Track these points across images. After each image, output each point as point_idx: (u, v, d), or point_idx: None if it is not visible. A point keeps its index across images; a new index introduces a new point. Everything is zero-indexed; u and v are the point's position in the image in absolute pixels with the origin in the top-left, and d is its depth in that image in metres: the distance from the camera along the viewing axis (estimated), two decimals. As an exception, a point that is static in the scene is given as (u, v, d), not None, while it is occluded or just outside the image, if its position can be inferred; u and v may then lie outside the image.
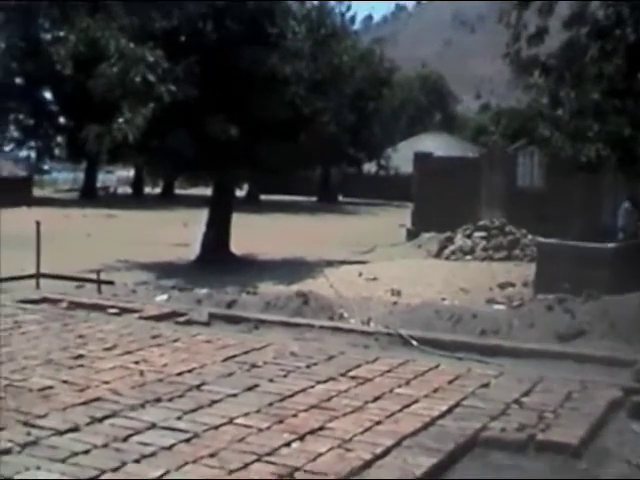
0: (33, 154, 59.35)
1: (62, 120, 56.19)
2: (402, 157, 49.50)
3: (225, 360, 8.63)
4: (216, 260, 21.26)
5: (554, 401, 7.32)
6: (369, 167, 57.04)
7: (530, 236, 24.03)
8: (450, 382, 7.97)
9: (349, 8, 26.55)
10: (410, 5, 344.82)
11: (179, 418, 6.62)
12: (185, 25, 19.46)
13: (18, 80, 55.27)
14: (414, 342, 10.15)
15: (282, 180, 43.28)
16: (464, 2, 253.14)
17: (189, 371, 8.12)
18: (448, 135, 71.64)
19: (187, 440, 6.11)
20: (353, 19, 35.34)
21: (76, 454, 5.83)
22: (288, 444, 6.07)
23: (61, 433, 6.25)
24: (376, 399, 7.30)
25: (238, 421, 6.55)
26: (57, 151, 59.33)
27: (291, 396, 7.33)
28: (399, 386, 7.77)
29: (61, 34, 21.66)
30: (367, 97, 33.41)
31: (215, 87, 19.06)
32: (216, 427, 6.40)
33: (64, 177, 79.15)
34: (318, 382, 7.84)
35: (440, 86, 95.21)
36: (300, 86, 19.84)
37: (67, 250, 22.22)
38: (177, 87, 18.24)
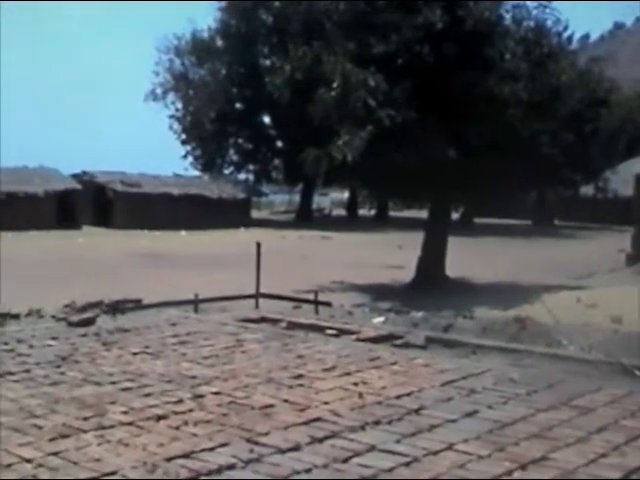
0: (251, 177, 61.01)
1: (279, 144, 57.54)
2: (621, 179, 47.99)
3: (443, 385, 8.58)
4: (431, 283, 21.17)
5: None
6: (586, 190, 55.51)
7: None
8: (679, 416, 7.63)
9: (566, 28, 25.91)
10: (629, 22, 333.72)
11: (398, 441, 6.61)
12: (402, 49, 19.53)
13: (238, 105, 56.92)
14: (637, 372, 9.79)
15: (496, 203, 42.78)
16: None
17: (407, 395, 8.11)
18: (671, 157, 68.79)
19: (407, 464, 6.09)
20: (570, 39, 34.50)
21: (297, 473, 5.91)
22: (510, 473, 5.95)
23: (282, 452, 6.36)
24: (600, 430, 7.06)
25: (458, 447, 6.48)
26: (274, 174, 60.78)
27: (511, 424, 7.19)
28: (624, 418, 7.50)
29: (277, 64, 22.12)
30: (584, 118, 32.64)
31: (431, 110, 19.03)
32: (435, 452, 6.36)
33: (280, 199, 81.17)
34: (539, 410, 7.67)
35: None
36: (518, 108, 19.56)
37: (283, 270, 22.71)
38: (395, 111, 18.34)
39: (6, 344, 10.53)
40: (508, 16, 21.59)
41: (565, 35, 26.36)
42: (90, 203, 47.95)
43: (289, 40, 23.37)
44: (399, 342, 11.46)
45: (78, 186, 47.95)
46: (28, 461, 6.03)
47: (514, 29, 21.41)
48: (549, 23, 22.27)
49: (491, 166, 19.67)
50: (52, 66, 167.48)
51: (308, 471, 5.94)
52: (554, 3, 21.91)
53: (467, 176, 20.14)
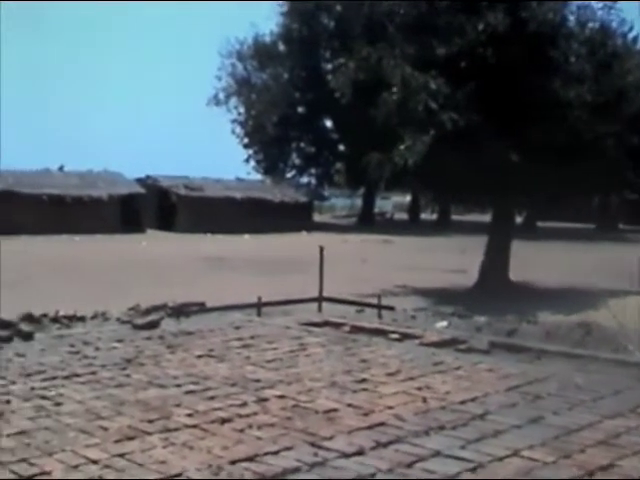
0: (313, 181, 61.00)
1: (341, 148, 57.51)
2: (688, 182, 47.26)
3: (508, 390, 8.51)
4: (494, 287, 21.02)
5: None
6: (651, 193, 54.63)
7: None
8: None
9: (631, 28, 25.52)
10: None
11: (463, 447, 6.56)
12: (464, 52, 19.40)
13: (300, 109, 57.03)
14: None
15: (560, 207, 42.32)
16: None
17: (472, 400, 8.06)
18: None
19: (472, 470, 6.05)
20: (636, 39, 34.03)
21: (362, 477, 5.90)
22: (576, 480, 5.89)
23: (347, 456, 6.35)
24: (668, 438, 6.96)
25: (523, 453, 6.42)
26: (336, 178, 60.60)
27: (577, 430, 7.11)
28: (692, 425, 7.39)
29: (341, 61, 22.00)
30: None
31: (494, 113, 18.89)
32: (500, 458, 6.30)
33: (342, 203, 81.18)
34: (605, 417, 7.57)
35: None
36: (582, 110, 19.32)
37: (345, 274, 22.70)
38: (458, 114, 18.23)
39: (72, 346, 10.67)
40: (572, 17, 21.38)
41: (630, 36, 25.96)
42: (154, 207, 48.44)
43: (351, 43, 23.28)
44: (462, 347, 11.40)
45: (142, 190, 48.46)
46: (94, 462, 6.09)
47: (578, 30, 21.17)
48: (614, 24, 22.02)
49: (555, 170, 19.45)
50: (115, 70, 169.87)
51: (372, 475, 5.93)
52: (619, 3, 21.66)
53: (530, 180, 19.95)
